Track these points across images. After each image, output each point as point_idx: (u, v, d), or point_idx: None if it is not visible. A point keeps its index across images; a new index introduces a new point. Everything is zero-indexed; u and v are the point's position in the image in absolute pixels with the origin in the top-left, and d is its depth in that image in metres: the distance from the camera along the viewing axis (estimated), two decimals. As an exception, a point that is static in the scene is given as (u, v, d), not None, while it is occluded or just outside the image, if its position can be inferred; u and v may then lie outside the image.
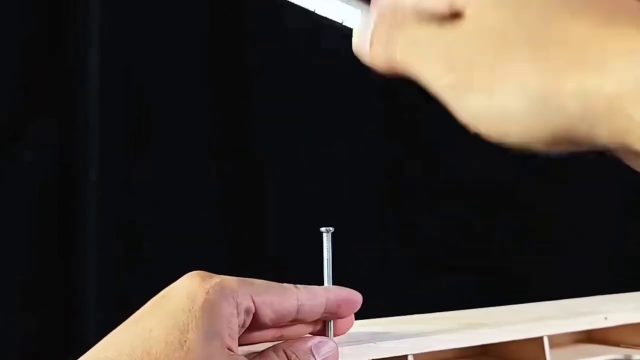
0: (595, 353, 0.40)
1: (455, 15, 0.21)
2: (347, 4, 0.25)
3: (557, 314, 0.39)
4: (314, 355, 0.26)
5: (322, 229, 0.29)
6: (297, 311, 0.27)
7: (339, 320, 0.29)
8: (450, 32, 0.20)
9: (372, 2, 0.24)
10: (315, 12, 0.26)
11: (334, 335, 0.29)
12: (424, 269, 0.71)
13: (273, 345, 0.26)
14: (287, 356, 0.26)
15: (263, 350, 0.26)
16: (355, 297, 0.28)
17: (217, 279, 0.25)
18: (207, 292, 0.24)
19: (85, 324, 0.63)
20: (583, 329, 0.40)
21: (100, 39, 0.64)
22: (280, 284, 0.27)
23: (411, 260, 0.72)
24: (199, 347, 0.23)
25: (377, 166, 0.72)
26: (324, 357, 0.27)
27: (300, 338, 0.27)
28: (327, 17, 0.26)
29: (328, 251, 0.29)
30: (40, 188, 0.62)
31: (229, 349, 0.24)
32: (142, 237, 0.65)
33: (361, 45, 0.23)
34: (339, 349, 0.28)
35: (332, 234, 0.29)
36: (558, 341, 0.41)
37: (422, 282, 0.70)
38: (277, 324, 0.27)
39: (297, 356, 0.26)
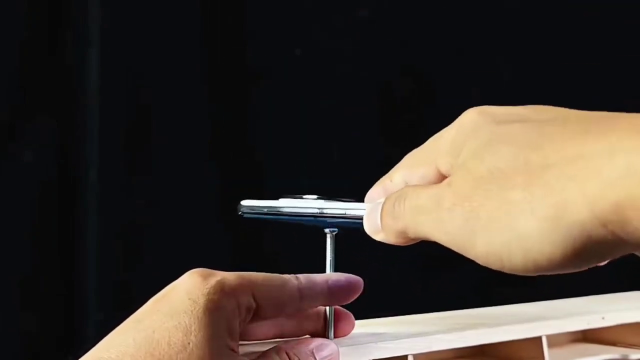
0: (592, 352, 0.41)
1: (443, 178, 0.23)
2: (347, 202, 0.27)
3: (556, 314, 0.39)
4: (315, 357, 0.27)
5: (326, 230, 0.29)
6: (299, 302, 0.27)
7: (340, 323, 0.29)
8: (446, 188, 0.22)
9: (366, 197, 0.26)
10: (318, 212, 0.28)
11: (335, 337, 0.29)
12: (424, 269, 0.71)
13: (275, 347, 0.26)
14: (289, 358, 0.26)
15: (265, 351, 0.26)
16: (355, 283, 0.28)
17: (218, 277, 0.25)
18: (208, 292, 0.24)
19: (85, 324, 0.63)
20: (581, 328, 0.40)
21: (100, 39, 0.64)
22: (280, 275, 0.27)
23: (412, 260, 0.72)
24: (202, 349, 0.23)
25: (378, 166, 0.72)
26: (325, 359, 0.27)
27: (301, 340, 0.27)
28: (330, 211, 0.27)
29: (331, 252, 0.29)
30: (40, 188, 0.62)
31: (231, 350, 0.24)
32: (142, 237, 0.65)
33: (372, 225, 0.25)
34: (340, 349, 0.28)
35: (335, 234, 0.29)
36: (556, 341, 0.41)
37: (422, 282, 0.70)
38: (279, 316, 0.27)
39: (299, 358, 0.26)
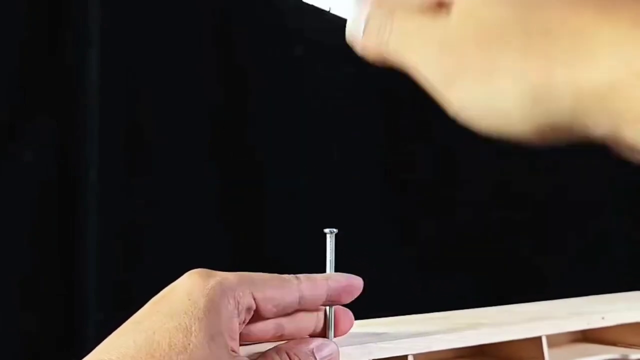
0: (592, 352, 0.41)
1: (442, 5, 0.21)
2: None
3: (555, 314, 0.39)
4: (315, 357, 0.27)
5: (326, 230, 0.29)
6: (299, 302, 0.27)
7: (339, 321, 0.29)
8: (442, 23, 0.21)
9: None
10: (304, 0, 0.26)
11: (335, 336, 0.29)
12: (424, 269, 0.71)
13: (275, 347, 0.26)
14: (289, 358, 0.26)
15: (265, 352, 0.26)
16: (355, 282, 0.28)
17: (218, 277, 0.25)
18: (208, 293, 0.24)
19: (85, 324, 0.63)
20: (581, 328, 0.40)
21: (100, 39, 0.64)
22: (280, 276, 0.27)
23: (411, 260, 0.72)
24: (202, 349, 0.23)
25: (378, 166, 0.72)
26: (325, 358, 0.27)
27: (302, 340, 0.27)
28: (315, 4, 0.26)
29: (331, 252, 0.29)
30: (40, 188, 0.62)
31: (231, 350, 0.24)
32: (142, 237, 0.65)
33: (355, 34, 0.24)
34: (340, 349, 0.28)
35: (335, 235, 0.29)
36: (556, 341, 0.41)
37: (422, 282, 0.70)
38: (279, 316, 0.27)
39: (299, 358, 0.26)
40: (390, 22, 0.22)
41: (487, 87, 0.19)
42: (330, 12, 0.26)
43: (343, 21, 0.25)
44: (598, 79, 0.17)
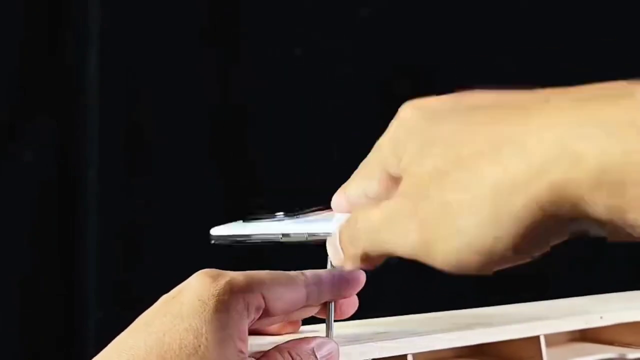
0: (590, 352, 0.41)
1: (395, 181, 0.23)
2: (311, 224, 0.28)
3: (554, 314, 0.39)
4: (316, 356, 0.27)
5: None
6: (306, 298, 0.27)
7: (343, 304, 0.29)
8: (395, 201, 0.22)
9: (332, 204, 0.26)
10: (282, 237, 0.28)
11: (338, 318, 0.29)
12: (424, 269, 0.71)
13: (277, 346, 0.27)
14: (291, 357, 0.26)
15: (268, 351, 0.26)
16: (358, 276, 0.29)
17: (227, 277, 0.25)
18: (218, 294, 0.24)
19: (85, 324, 0.63)
20: (579, 328, 0.40)
21: (100, 39, 0.64)
22: (287, 273, 0.27)
23: (412, 260, 0.72)
24: (212, 352, 0.23)
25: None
26: (324, 357, 0.27)
27: (302, 339, 0.27)
28: (295, 235, 0.28)
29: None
30: (40, 188, 0.63)
31: (240, 352, 0.24)
32: (142, 237, 0.66)
33: (337, 257, 0.25)
34: (340, 348, 0.28)
35: None
36: (554, 340, 0.41)
37: (422, 282, 0.70)
38: (287, 313, 0.27)
39: (301, 357, 0.26)
40: (356, 228, 0.24)
41: (452, 233, 0.20)
42: (308, 239, 0.28)
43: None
44: (540, 173, 0.18)
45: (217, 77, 0.69)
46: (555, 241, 0.20)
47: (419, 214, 0.21)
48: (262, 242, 0.30)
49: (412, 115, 0.23)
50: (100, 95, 0.64)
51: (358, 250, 0.24)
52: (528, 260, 0.20)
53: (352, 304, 0.29)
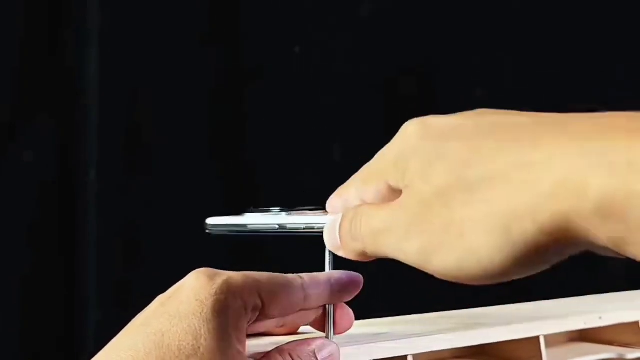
0: (589, 352, 0.41)
1: (395, 191, 0.24)
2: (308, 216, 0.28)
3: (553, 314, 0.40)
4: (316, 358, 0.27)
5: None
6: (304, 301, 0.27)
7: (339, 320, 0.29)
8: (401, 209, 0.23)
9: (327, 206, 0.27)
10: (279, 228, 0.29)
11: (335, 334, 0.29)
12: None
13: (278, 348, 0.27)
14: (292, 359, 0.26)
15: (268, 352, 0.26)
16: (356, 280, 0.29)
17: (224, 276, 0.25)
18: (215, 293, 0.24)
19: (85, 324, 0.63)
20: (578, 328, 0.40)
21: (100, 39, 0.64)
22: (284, 275, 0.27)
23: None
24: (212, 352, 0.23)
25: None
26: (325, 359, 0.27)
27: (303, 341, 0.27)
28: (291, 226, 0.28)
29: (330, 254, 0.29)
30: (40, 188, 0.63)
31: (239, 352, 0.24)
32: (142, 237, 0.66)
33: (332, 243, 0.26)
34: (340, 349, 0.28)
35: None
36: (554, 340, 0.41)
37: (422, 282, 0.70)
38: (283, 315, 0.27)
39: (301, 359, 0.26)
40: (360, 223, 0.24)
41: (457, 247, 0.21)
42: (304, 231, 0.28)
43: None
44: (548, 201, 0.18)
45: (217, 77, 0.69)
46: (556, 261, 0.21)
47: (422, 226, 0.22)
48: (257, 232, 0.29)
49: (417, 131, 0.23)
50: (100, 95, 0.64)
51: (357, 245, 0.25)
52: (525, 276, 0.21)
53: (348, 319, 0.30)
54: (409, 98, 0.72)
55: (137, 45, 0.66)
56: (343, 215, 0.26)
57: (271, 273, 0.27)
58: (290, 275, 0.27)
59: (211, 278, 0.25)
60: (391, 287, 0.68)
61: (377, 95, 0.72)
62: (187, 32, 0.68)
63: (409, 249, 0.22)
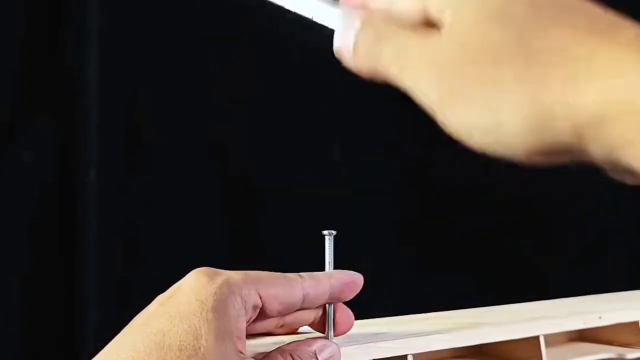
0: (589, 352, 0.41)
1: (431, 24, 0.21)
2: (322, 2, 0.24)
3: (553, 314, 0.40)
4: (317, 359, 0.27)
5: (325, 232, 0.30)
6: (303, 300, 0.27)
7: (340, 321, 0.29)
8: (436, 43, 0.20)
9: (343, 1, 0.24)
10: (285, 7, 0.25)
11: (335, 335, 0.29)
12: (424, 268, 0.72)
13: (279, 348, 0.27)
14: (293, 359, 0.26)
15: (270, 352, 0.26)
16: (356, 279, 0.29)
17: (224, 276, 0.25)
18: (215, 293, 0.24)
19: (85, 324, 0.63)
20: (578, 328, 0.40)
21: (100, 39, 0.64)
22: (284, 274, 0.27)
23: (411, 260, 0.72)
24: (212, 352, 0.23)
25: (378, 166, 0.72)
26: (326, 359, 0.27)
27: (304, 341, 0.27)
28: (298, 11, 0.25)
29: (330, 254, 0.30)
30: (40, 188, 0.63)
31: (239, 352, 0.24)
32: (142, 237, 0.66)
33: (344, 48, 0.23)
34: (340, 349, 0.28)
35: (334, 237, 0.29)
36: (553, 340, 0.41)
37: (422, 282, 0.70)
38: (283, 314, 0.27)
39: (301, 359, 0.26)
40: (384, 39, 0.21)
41: (485, 110, 0.19)
42: (314, 20, 0.25)
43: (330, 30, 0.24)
44: (593, 107, 0.18)
45: (217, 77, 0.69)
46: (564, 160, 0.20)
47: (462, 73, 0.20)
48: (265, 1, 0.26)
49: None
50: (100, 95, 0.64)
51: (372, 64, 0.22)
52: (523, 161, 0.20)
53: (348, 320, 0.29)
54: (409, 98, 0.72)
55: (137, 45, 0.66)
56: (364, 25, 0.22)
57: (271, 272, 0.27)
58: (290, 275, 0.27)
59: (211, 278, 0.25)
60: (391, 287, 0.68)
61: (377, 95, 0.72)
62: (187, 32, 0.68)
63: (433, 89, 0.20)
